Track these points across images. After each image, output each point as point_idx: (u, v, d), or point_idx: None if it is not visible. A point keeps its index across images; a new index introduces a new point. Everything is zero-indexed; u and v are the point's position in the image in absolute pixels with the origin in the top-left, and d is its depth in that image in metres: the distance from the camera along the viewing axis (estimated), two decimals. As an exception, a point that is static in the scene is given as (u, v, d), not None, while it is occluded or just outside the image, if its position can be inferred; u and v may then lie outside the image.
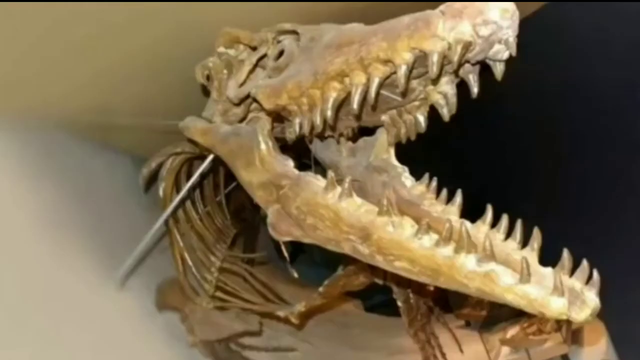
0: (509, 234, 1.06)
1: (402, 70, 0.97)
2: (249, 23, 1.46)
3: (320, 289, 1.79)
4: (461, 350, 2.29)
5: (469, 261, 0.94)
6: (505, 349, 2.26)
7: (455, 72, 1.12)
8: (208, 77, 1.55)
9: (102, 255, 1.89)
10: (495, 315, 2.29)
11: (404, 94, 1.18)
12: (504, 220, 1.08)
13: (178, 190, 1.94)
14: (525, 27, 0.98)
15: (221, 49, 1.53)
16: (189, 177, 1.97)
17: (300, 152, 1.62)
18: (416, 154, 1.50)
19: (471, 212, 1.15)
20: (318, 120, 1.15)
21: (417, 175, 1.32)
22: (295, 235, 1.23)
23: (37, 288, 1.58)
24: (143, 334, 2.03)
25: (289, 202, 1.20)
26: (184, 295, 2.10)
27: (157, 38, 1.62)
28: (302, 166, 1.31)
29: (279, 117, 1.35)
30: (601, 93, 2.66)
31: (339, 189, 1.12)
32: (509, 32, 0.93)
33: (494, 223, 1.09)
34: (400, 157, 1.39)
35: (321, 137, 1.52)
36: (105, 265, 1.87)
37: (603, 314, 0.97)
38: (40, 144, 1.77)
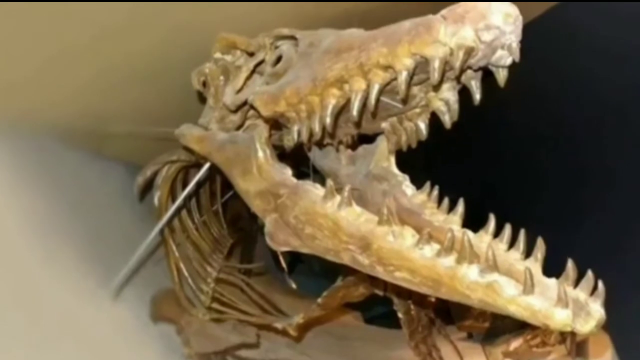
0: (512, 244, 1.05)
1: (403, 77, 0.96)
2: (246, 28, 1.45)
3: (319, 300, 1.77)
4: (463, 363, 2.27)
5: (471, 272, 0.93)
6: (508, 362, 2.24)
7: (457, 79, 1.11)
8: (204, 84, 1.54)
9: (96, 266, 1.87)
10: (498, 327, 2.27)
11: (404, 101, 1.17)
12: (507, 229, 1.06)
13: (174, 199, 1.92)
14: (529, 31, 0.97)
15: (218, 55, 1.52)
16: (184, 185, 1.95)
17: (298, 160, 1.60)
18: (417, 162, 1.48)
19: (473, 222, 1.13)
20: (317, 128, 1.14)
21: (418, 183, 1.30)
22: (294, 245, 1.21)
23: (29, 299, 1.56)
24: (137, 345, 2.01)
25: (287, 211, 1.18)
26: (180, 307, 2.09)
27: (152, 43, 1.61)
28: (300, 174, 1.30)
29: (276, 124, 1.34)
30: (609, 99, 2.65)
31: (338, 197, 1.10)
32: (512, 37, 0.91)
33: (497, 233, 1.07)
34: (401, 165, 1.37)
35: (320, 144, 1.50)
36: (99, 276, 1.85)
37: (608, 326, 0.95)
38: (32, 152, 1.75)
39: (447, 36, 0.90)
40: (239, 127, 1.45)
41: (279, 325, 1.86)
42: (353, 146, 1.48)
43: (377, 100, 1.02)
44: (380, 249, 1.02)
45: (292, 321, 1.82)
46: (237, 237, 2.41)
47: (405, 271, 1.00)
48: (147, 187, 1.99)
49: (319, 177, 1.55)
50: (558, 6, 2.50)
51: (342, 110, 1.12)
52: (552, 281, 0.94)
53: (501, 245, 1.05)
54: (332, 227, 1.09)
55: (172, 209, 1.85)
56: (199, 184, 1.98)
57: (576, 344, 2.16)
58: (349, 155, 1.50)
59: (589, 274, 0.93)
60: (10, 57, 1.41)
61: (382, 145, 1.39)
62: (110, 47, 1.55)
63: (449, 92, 1.16)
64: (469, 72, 1.06)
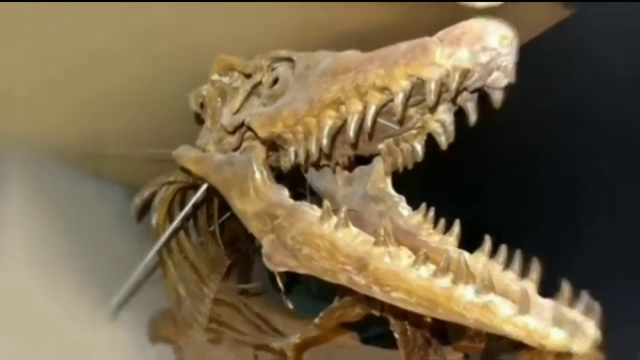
0: (507, 264, 1.04)
1: (399, 98, 0.96)
2: (243, 50, 1.46)
3: (316, 320, 1.76)
4: (459, 384, 2.24)
5: (467, 292, 0.93)
6: (504, 382, 2.21)
7: (453, 100, 1.11)
8: (202, 105, 1.55)
9: (94, 287, 1.86)
10: (493, 347, 2.24)
11: (401, 122, 1.16)
12: (503, 250, 1.06)
13: (171, 220, 1.92)
14: (526, 53, 0.97)
15: (215, 77, 1.52)
16: (182, 206, 1.95)
17: (295, 182, 1.59)
18: (413, 183, 1.48)
19: (469, 243, 1.13)
20: (314, 149, 1.14)
21: (414, 204, 1.30)
22: (291, 265, 1.21)
23: (26, 321, 1.55)
24: (135, 366, 1.98)
25: (284, 232, 1.18)
26: (177, 327, 2.07)
27: (150, 65, 1.61)
28: (297, 196, 1.30)
29: (273, 145, 1.34)
30: (606, 120, 2.63)
31: (335, 218, 1.10)
32: (508, 59, 0.92)
33: (493, 253, 1.07)
34: (397, 186, 1.37)
35: (317, 166, 1.49)
36: (97, 297, 1.85)
37: (605, 346, 0.95)
38: (29, 173, 1.75)
39: (443, 58, 0.90)
40: (236, 149, 1.45)
41: (276, 345, 1.85)
42: (349, 167, 1.48)
43: (374, 121, 1.02)
44: (376, 269, 1.02)
45: (289, 341, 1.81)
46: (234, 257, 2.39)
47: (401, 292, 1.00)
48: (145, 208, 1.98)
49: (316, 198, 1.54)
50: (556, 28, 2.49)
51: (338, 131, 1.12)
52: (548, 301, 0.94)
53: (497, 265, 1.04)
54: (329, 248, 1.09)
55: (170, 230, 1.85)
56: (196, 205, 1.98)
57: (572, 364, 2.14)
58: (345, 177, 1.50)
59: (584, 294, 0.93)
60: (8, 78, 1.41)
61: (379, 166, 1.39)
62: (108, 69, 1.55)
63: (445, 114, 1.16)
64: (465, 93, 1.06)
